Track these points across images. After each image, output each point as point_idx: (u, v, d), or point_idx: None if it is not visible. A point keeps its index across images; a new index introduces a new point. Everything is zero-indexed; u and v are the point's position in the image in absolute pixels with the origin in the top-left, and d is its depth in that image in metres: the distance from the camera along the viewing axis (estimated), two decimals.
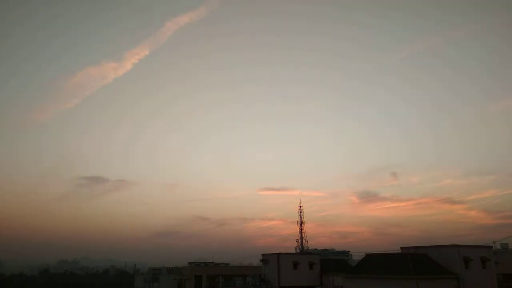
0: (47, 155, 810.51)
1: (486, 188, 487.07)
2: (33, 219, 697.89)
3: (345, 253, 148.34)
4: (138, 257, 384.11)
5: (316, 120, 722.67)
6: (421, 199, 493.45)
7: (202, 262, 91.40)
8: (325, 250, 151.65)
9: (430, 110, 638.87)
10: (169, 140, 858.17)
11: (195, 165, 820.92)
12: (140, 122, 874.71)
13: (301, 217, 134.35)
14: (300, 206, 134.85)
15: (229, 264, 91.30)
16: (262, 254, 70.51)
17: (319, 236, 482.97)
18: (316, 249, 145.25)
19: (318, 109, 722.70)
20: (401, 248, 50.44)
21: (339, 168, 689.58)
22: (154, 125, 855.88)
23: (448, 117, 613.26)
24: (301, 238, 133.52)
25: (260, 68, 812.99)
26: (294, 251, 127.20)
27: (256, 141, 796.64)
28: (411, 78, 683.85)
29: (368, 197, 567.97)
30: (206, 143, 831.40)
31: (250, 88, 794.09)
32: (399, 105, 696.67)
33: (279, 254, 67.22)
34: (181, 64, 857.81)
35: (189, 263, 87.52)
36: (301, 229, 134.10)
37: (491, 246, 52.24)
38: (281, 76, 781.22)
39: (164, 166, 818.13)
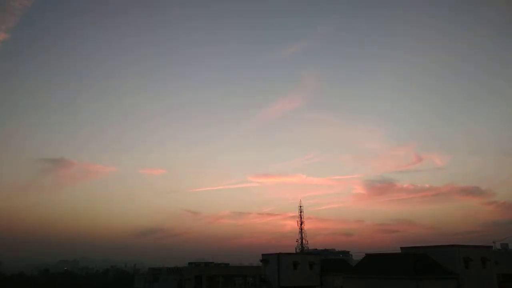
0: None
1: None
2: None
3: (345, 253, 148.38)
4: (138, 257, 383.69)
5: (319, 85, 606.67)
6: (443, 187, 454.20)
7: (202, 262, 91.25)
8: (325, 250, 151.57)
9: (460, 77, 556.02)
10: (148, 118, 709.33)
11: (180, 149, 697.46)
12: (107, 83, 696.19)
13: (301, 217, 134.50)
14: (300, 206, 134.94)
15: (229, 264, 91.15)
16: (262, 254, 70.72)
17: (321, 234, 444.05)
18: (316, 249, 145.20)
19: (325, 72, 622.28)
20: (401, 248, 50.51)
21: (349, 147, 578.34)
22: (126, 87, 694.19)
23: (482, 87, 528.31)
24: (301, 238, 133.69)
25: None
26: (294, 251, 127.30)
27: (249, 119, 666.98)
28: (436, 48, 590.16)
29: (382, 184, 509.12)
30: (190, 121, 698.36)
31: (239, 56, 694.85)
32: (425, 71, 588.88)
33: (279, 254, 67.38)
34: None
35: (189, 263, 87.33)
36: (301, 229, 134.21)
37: (491, 246, 52.33)
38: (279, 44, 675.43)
39: (143, 150, 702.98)
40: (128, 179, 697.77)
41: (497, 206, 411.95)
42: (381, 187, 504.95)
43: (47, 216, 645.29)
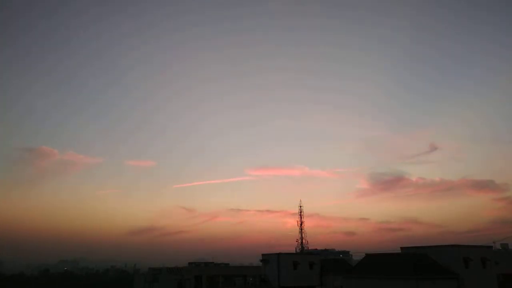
0: None
1: None
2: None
3: (345, 253, 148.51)
4: (138, 257, 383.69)
5: (317, 64, 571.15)
6: (456, 181, 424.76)
7: (202, 262, 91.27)
8: (325, 250, 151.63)
9: (477, 60, 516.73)
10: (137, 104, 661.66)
11: (169, 140, 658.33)
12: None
13: (301, 217, 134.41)
14: (300, 206, 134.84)
15: (229, 264, 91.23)
16: (262, 254, 70.78)
17: (321, 233, 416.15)
18: (316, 249, 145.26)
19: (325, 50, 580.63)
20: (401, 248, 50.52)
21: (353, 135, 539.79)
22: (114, 74, 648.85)
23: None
24: (301, 238, 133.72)
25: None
26: (294, 250, 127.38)
27: (247, 107, 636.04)
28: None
29: (389, 177, 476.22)
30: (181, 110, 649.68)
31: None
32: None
33: (279, 254, 67.42)
34: None
35: (189, 263, 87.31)
36: (301, 229, 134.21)
37: (491, 246, 52.36)
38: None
39: (131, 139, 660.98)
40: (114, 171, 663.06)
41: (509, 202, 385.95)
42: (387, 180, 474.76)
43: (31, 212, 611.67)
